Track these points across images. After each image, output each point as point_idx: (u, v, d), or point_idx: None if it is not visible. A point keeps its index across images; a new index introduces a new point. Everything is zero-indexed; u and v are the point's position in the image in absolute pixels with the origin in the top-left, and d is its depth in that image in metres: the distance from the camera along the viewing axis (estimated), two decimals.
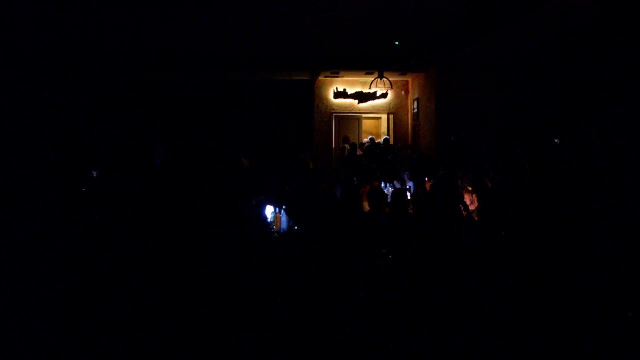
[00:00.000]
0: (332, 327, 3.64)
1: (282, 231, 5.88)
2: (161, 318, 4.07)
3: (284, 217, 6.07)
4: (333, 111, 13.51)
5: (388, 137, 12.78)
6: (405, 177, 9.15)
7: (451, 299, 3.57)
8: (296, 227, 5.82)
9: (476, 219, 5.73)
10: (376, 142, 12.49)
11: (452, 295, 3.59)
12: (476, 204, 5.98)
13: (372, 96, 13.30)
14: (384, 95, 13.41)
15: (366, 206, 5.89)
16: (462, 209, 5.45)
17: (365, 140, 12.96)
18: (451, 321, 3.45)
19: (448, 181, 4.40)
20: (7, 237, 5.28)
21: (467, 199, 6.35)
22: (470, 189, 6.36)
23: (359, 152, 11.91)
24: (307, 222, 6.19)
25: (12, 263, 4.85)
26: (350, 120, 13.68)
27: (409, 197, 6.33)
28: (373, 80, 11.42)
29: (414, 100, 13.19)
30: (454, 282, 3.69)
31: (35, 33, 8.34)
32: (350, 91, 13.36)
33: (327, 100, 13.47)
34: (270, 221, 5.93)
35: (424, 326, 3.46)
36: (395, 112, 13.74)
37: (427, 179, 6.94)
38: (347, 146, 12.23)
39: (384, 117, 14.40)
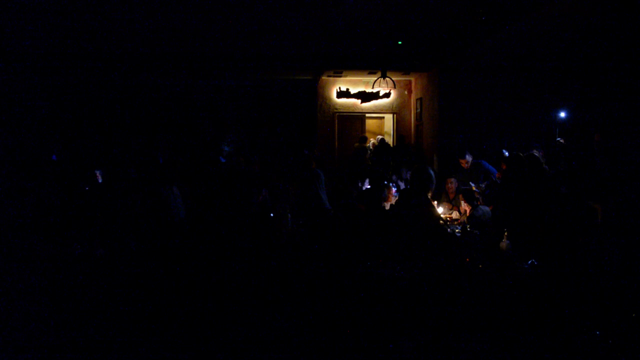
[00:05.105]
0: (331, 327, 3.65)
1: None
2: (164, 315, 4.10)
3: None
4: (336, 111, 13.51)
5: (383, 137, 12.83)
6: (409, 177, 9.14)
7: (450, 299, 3.58)
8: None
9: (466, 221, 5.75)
10: (385, 142, 12.52)
11: (451, 295, 3.60)
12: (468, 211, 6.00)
13: (375, 96, 13.30)
14: (387, 95, 13.40)
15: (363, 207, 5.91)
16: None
17: (373, 140, 12.98)
18: (450, 321, 3.45)
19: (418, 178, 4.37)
20: (8, 236, 5.31)
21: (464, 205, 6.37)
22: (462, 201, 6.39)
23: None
24: (309, 220, 6.21)
25: (13, 262, 4.87)
26: (353, 120, 13.68)
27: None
28: (376, 80, 11.42)
29: (416, 100, 13.18)
30: (450, 281, 3.69)
31: (37, 31, 8.37)
32: (352, 90, 13.35)
33: (330, 99, 13.47)
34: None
35: (424, 327, 3.47)
36: (398, 112, 13.74)
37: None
38: (369, 145, 12.14)
39: (387, 116, 14.40)
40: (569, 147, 8.64)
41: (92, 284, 4.59)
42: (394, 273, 3.81)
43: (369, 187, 7.30)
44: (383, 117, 14.86)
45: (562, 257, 3.90)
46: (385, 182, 6.87)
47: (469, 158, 7.71)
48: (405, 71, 12.36)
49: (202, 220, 5.81)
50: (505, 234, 4.31)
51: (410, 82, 13.59)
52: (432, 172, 4.39)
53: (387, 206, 6.11)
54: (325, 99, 13.47)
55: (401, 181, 8.92)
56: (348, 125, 13.62)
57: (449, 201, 7.16)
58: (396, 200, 5.07)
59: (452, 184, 7.18)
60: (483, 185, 6.96)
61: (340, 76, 12.86)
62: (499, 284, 3.76)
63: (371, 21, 7.78)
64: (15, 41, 8.94)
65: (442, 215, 6.39)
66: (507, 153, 7.87)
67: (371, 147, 12.20)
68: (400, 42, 9.30)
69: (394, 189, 7.94)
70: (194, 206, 6.09)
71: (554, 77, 10.80)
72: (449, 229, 5.48)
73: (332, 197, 6.69)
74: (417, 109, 13.16)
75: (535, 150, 7.31)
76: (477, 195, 6.26)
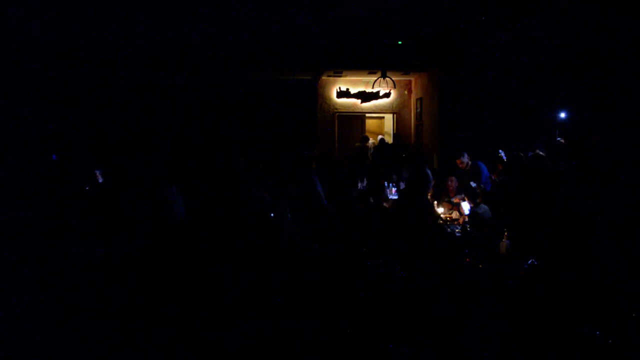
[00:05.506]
0: (332, 327, 3.65)
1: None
2: (165, 315, 4.10)
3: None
4: (336, 110, 13.51)
5: (383, 137, 12.84)
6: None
7: (449, 299, 3.58)
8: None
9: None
10: (385, 142, 12.53)
11: (451, 295, 3.60)
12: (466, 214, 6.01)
13: (375, 95, 13.30)
14: (387, 95, 13.41)
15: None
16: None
17: (372, 140, 12.99)
18: (450, 321, 3.46)
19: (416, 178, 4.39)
20: (8, 236, 5.32)
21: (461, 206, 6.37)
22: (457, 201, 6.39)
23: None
24: (310, 220, 6.21)
25: (13, 262, 4.88)
26: (353, 120, 13.68)
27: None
28: (376, 80, 11.42)
29: (416, 100, 13.19)
30: (449, 280, 3.70)
31: (37, 31, 8.37)
32: (352, 90, 13.36)
33: (330, 99, 13.48)
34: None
35: (424, 326, 3.47)
36: (398, 112, 13.74)
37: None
38: (369, 145, 12.14)
39: (387, 116, 14.40)
40: (569, 147, 8.63)
41: (93, 284, 4.59)
42: (394, 273, 3.81)
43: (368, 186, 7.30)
44: (383, 117, 14.86)
45: (562, 256, 3.90)
46: (385, 182, 6.88)
47: (464, 159, 7.72)
48: (405, 71, 12.36)
49: (202, 220, 5.81)
50: (505, 234, 4.31)
51: (410, 82, 13.59)
52: (429, 171, 4.39)
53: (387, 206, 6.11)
54: (325, 99, 13.48)
55: (401, 181, 8.91)
56: (348, 125, 13.62)
57: (449, 200, 7.16)
58: (396, 201, 5.08)
59: (452, 182, 7.19)
60: (483, 185, 6.96)
61: (340, 76, 12.86)
62: (499, 284, 3.76)
63: (371, 21, 7.78)
64: (16, 40, 8.95)
65: (442, 215, 6.40)
66: (503, 153, 7.88)
67: (371, 147, 12.21)
68: (400, 42, 9.30)
69: (394, 189, 7.95)
70: (194, 206, 6.09)
71: (554, 77, 10.80)
72: (449, 229, 5.48)
73: (332, 196, 6.69)
74: (417, 108, 13.16)
75: (539, 151, 7.31)
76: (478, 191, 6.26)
